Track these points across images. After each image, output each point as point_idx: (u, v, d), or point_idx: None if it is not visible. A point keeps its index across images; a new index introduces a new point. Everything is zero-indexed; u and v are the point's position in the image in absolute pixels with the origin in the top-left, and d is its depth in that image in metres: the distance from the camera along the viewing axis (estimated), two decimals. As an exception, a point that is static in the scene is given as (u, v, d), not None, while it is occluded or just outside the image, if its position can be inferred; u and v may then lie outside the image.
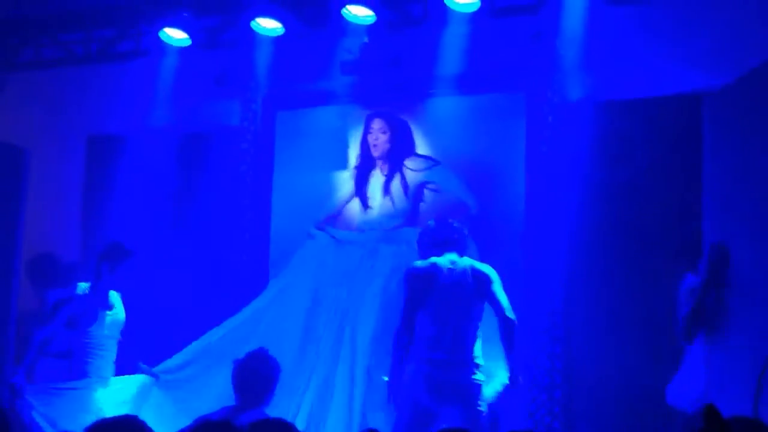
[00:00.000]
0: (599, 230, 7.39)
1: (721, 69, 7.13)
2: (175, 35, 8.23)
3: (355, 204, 8.05)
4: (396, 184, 7.88)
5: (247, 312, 7.66)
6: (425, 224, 6.82)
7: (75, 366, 6.91)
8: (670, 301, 7.07)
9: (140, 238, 7.24)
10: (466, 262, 6.40)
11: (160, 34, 8.22)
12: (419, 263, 6.45)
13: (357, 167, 8.07)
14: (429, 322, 6.27)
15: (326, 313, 7.63)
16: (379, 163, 8.01)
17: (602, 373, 7.20)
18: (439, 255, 6.41)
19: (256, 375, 6.30)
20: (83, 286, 7.17)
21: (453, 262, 6.38)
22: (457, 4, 7.54)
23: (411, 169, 7.88)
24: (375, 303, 7.47)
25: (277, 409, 6.46)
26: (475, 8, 7.54)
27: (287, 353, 7.15)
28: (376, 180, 7.98)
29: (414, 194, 7.85)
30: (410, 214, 7.82)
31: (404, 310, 6.28)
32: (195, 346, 7.40)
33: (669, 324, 7.07)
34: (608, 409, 7.15)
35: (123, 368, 7.03)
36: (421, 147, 7.96)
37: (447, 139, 7.86)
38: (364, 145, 8.04)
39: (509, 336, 6.23)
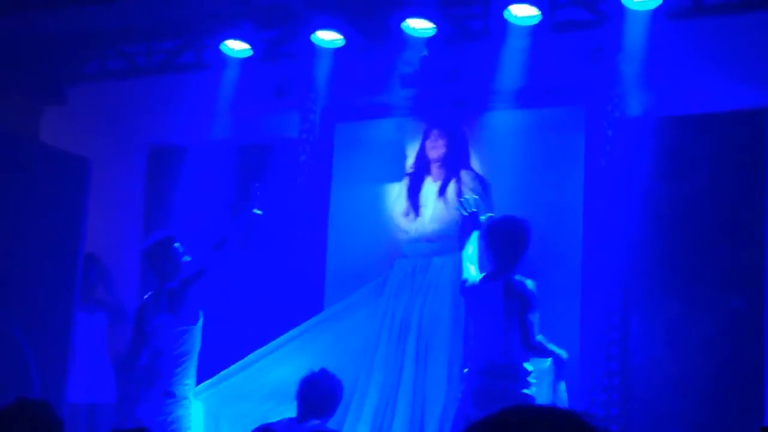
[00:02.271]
0: (657, 245, 7.33)
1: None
2: (236, 47, 8.29)
3: (408, 213, 8.00)
4: (452, 188, 7.81)
5: (309, 324, 7.69)
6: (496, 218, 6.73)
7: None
8: (728, 320, 7.02)
9: (199, 248, 7.27)
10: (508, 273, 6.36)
11: (221, 47, 8.29)
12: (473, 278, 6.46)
13: (410, 174, 8.04)
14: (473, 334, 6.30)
15: (381, 325, 7.61)
16: (434, 168, 7.94)
17: (660, 391, 7.14)
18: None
19: (316, 389, 6.35)
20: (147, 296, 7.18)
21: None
22: (518, 18, 7.51)
23: (464, 183, 7.83)
24: (441, 318, 7.42)
25: (336, 424, 6.49)
26: (535, 22, 7.51)
27: (344, 365, 7.16)
28: (429, 186, 7.93)
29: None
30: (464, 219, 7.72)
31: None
32: (252, 356, 7.44)
33: (727, 343, 7.02)
34: (665, 427, 7.08)
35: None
36: (479, 161, 7.94)
37: (505, 153, 7.82)
38: (421, 151, 8.00)
39: (539, 357, 6.21)
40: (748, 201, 7.15)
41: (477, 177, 7.82)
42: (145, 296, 7.17)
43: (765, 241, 7.04)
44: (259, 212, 7.09)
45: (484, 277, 6.46)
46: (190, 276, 6.85)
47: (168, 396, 6.70)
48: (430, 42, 7.91)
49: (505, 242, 6.33)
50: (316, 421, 6.16)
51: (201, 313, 6.88)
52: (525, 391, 6.17)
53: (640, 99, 7.48)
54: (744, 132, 7.22)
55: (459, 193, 7.71)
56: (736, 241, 7.15)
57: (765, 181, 7.12)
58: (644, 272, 7.33)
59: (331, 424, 6.34)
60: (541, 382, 6.30)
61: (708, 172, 7.25)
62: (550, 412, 1.65)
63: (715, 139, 7.29)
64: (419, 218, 7.87)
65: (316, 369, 6.43)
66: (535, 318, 6.18)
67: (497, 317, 6.27)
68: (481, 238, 6.67)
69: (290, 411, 6.45)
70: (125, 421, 6.74)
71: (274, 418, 6.35)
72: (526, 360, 6.23)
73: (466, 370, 6.47)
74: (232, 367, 7.33)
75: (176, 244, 7.00)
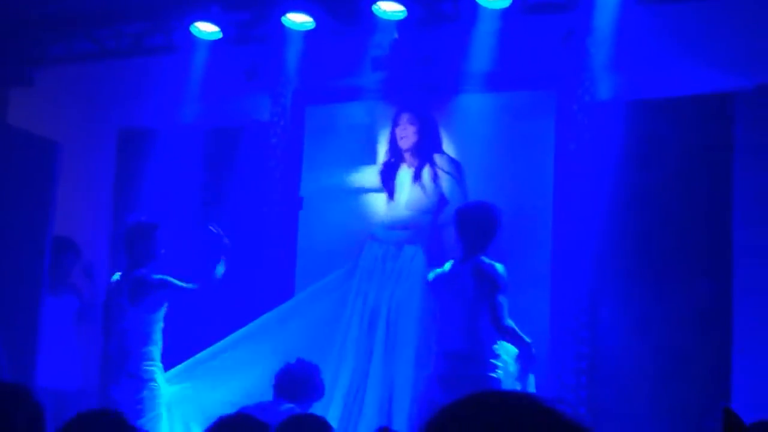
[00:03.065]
0: (627, 230, 7.36)
1: (753, 69, 7.11)
2: (205, 29, 8.24)
3: (380, 198, 8.01)
4: (426, 173, 7.81)
5: (280, 309, 7.70)
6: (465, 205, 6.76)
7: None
8: (696, 303, 7.06)
9: (168, 231, 7.25)
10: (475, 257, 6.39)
11: (191, 29, 8.24)
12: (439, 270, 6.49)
13: (384, 162, 8.04)
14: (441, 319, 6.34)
15: (351, 309, 7.63)
16: (407, 156, 7.95)
17: (628, 373, 7.18)
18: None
19: (291, 374, 6.40)
20: (116, 276, 7.15)
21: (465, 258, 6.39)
22: (489, 1, 7.51)
23: (438, 166, 7.84)
24: (411, 305, 7.44)
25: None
26: (506, 5, 7.50)
27: (315, 349, 7.17)
28: (405, 172, 7.93)
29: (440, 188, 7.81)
30: (438, 208, 7.75)
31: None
32: (223, 342, 7.44)
33: (695, 327, 7.06)
34: (634, 410, 7.12)
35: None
36: (449, 144, 7.94)
37: (475, 137, 7.83)
38: (392, 139, 8.00)
39: (510, 342, 6.23)
40: (715, 184, 7.18)
41: (451, 160, 7.83)
42: (113, 277, 7.15)
43: (733, 224, 7.08)
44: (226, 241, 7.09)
45: (453, 262, 6.50)
46: (158, 284, 6.82)
47: (133, 377, 6.70)
48: (400, 25, 7.88)
49: (475, 228, 6.39)
50: (290, 405, 6.17)
51: (165, 304, 6.89)
52: (491, 374, 6.20)
53: (610, 83, 7.49)
54: (713, 115, 7.25)
55: (434, 177, 7.73)
56: (704, 224, 7.18)
57: (733, 164, 7.16)
58: (614, 256, 7.36)
59: (315, 410, 6.33)
60: (509, 369, 6.33)
61: (676, 155, 7.28)
62: (517, 397, 1.64)
63: (684, 122, 7.32)
64: (394, 204, 7.87)
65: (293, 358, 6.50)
66: (504, 300, 6.21)
67: (466, 301, 6.30)
68: (451, 224, 6.72)
69: (262, 396, 6.45)
70: (104, 402, 6.73)
71: (246, 403, 6.34)
72: (494, 345, 6.25)
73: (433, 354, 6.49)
74: (203, 352, 7.33)
75: (158, 233, 6.96)
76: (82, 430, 3.12)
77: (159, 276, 6.88)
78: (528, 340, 6.31)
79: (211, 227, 7.13)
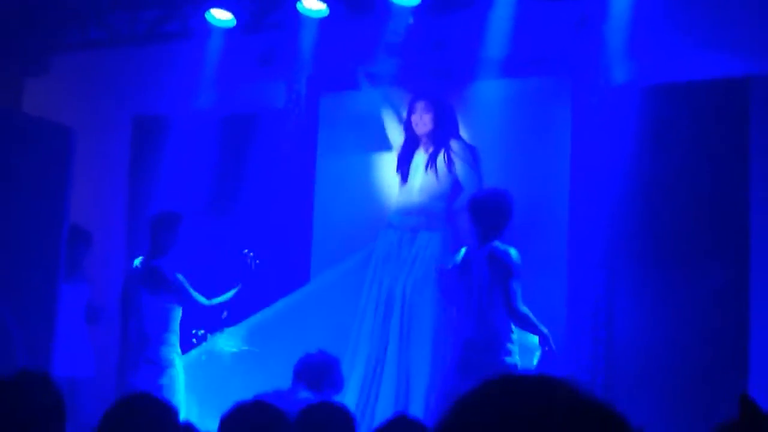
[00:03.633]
0: (643, 214, 7.34)
1: (769, 54, 7.07)
2: (220, 16, 8.25)
3: (395, 184, 8.00)
4: (441, 159, 7.79)
5: (295, 295, 7.72)
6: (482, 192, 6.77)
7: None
8: (713, 288, 7.04)
9: (191, 223, 7.27)
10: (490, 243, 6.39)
11: (206, 15, 8.25)
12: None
13: (400, 146, 8.02)
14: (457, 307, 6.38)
15: (367, 296, 7.63)
16: (423, 141, 7.93)
17: (645, 358, 7.17)
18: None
19: (309, 363, 6.42)
20: (137, 262, 7.17)
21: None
22: (504, -14, 7.50)
23: (454, 152, 7.82)
24: (425, 291, 7.44)
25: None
26: (521, -10, 7.49)
27: (331, 336, 7.19)
28: (420, 158, 7.91)
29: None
30: (452, 193, 7.73)
31: None
32: (237, 329, 7.45)
33: (712, 311, 7.05)
34: (651, 393, 7.12)
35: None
36: (464, 130, 7.92)
37: (490, 123, 7.81)
38: (408, 126, 7.97)
39: (524, 327, 6.23)
40: (731, 169, 7.15)
41: (466, 146, 7.81)
42: (134, 262, 7.17)
43: (750, 209, 7.06)
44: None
45: (467, 250, 6.51)
46: (173, 286, 6.83)
47: (151, 363, 6.71)
48: (415, 11, 7.87)
49: (489, 215, 6.41)
50: (307, 393, 6.18)
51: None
52: (508, 360, 6.21)
53: (626, 68, 7.46)
54: (728, 100, 7.22)
55: (449, 163, 7.72)
56: (720, 209, 7.16)
57: (749, 149, 7.13)
58: (630, 241, 7.34)
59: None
60: (525, 356, 6.33)
61: (692, 140, 7.25)
62: (535, 380, 1.64)
63: (700, 107, 7.29)
64: (408, 189, 7.85)
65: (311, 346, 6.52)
66: (517, 286, 6.22)
67: (481, 288, 6.30)
68: (466, 213, 6.73)
69: (278, 382, 6.47)
70: (123, 390, 6.74)
71: (262, 389, 6.35)
72: (510, 331, 6.26)
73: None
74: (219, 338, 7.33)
75: (181, 225, 6.99)
76: (125, 416, 3.17)
77: (177, 277, 6.87)
78: (544, 329, 6.30)
79: (246, 251, 7.14)
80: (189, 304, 6.86)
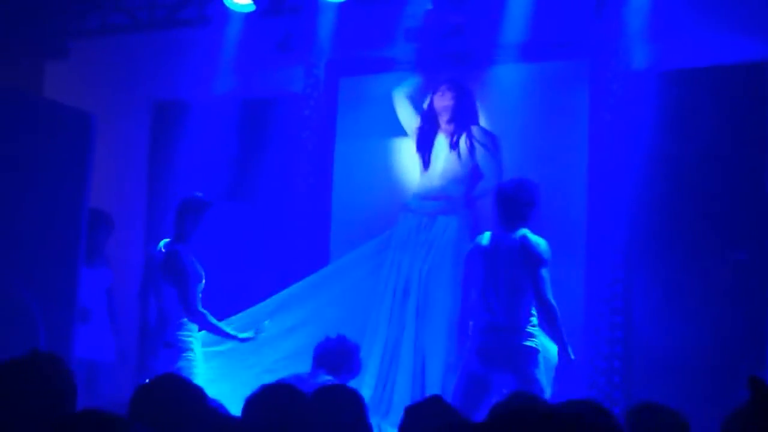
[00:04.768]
0: (662, 199, 7.34)
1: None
2: (239, 1, 8.25)
3: (414, 168, 8.01)
4: (463, 143, 7.81)
5: (314, 277, 7.75)
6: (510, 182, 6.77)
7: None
8: (732, 274, 7.03)
9: (218, 212, 7.29)
10: (520, 232, 6.40)
11: (224, 0, 8.26)
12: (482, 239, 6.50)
13: (420, 128, 8.02)
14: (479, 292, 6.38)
15: (386, 280, 7.66)
16: (443, 123, 7.92)
17: (663, 344, 7.17)
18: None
19: (329, 347, 6.46)
20: (161, 245, 7.16)
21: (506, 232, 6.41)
22: (522, -30, 7.49)
23: (476, 138, 7.83)
24: (442, 276, 7.47)
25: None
26: (539, -25, 7.48)
27: (350, 319, 7.22)
28: (441, 141, 7.92)
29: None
30: (471, 179, 7.74)
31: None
32: (256, 309, 7.48)
33: (731, 298, 7.05)
34: (668, 379, 7.13)
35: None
36: (483, 115, 7.93)
37: (508, 107, 7.81)
38: (430, 107, 7.97)
39: (548, 320, 6.22)
40: (751, 153, 7.14)
41: (486, 133, 7.83)
42: (159, 245, 7.18)
43: (769, 194, 7.05)
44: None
45: (492, 235, 6.50)
46: (180, 277, 6.78)
47: (169, 347, 6.72)
48: (434, -6, 7.88)
49: (517, 205, 6.41)
50: (327, 377, 6.22)
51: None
52: (529, 343, 6.22)
53: (645, 52, 7.45)
54: (748, 84, 7.20)
55: (471, 148, 7.74)
56: (740, 194, 7.15)
57: (768, 133, 7.12)
58: (648, 226, 7.34)
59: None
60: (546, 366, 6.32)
61: (712, 125, 7.24)
62: (557, 415, 1.63)
63: (720, 91, 7.28)
64: (428, 173, 7.87)
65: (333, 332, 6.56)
66: (547, 276, 6.24)
67: (508, 275, 6.32)
68: (490, 199, 6.73)
69: (297, 367, 6.51)
70: (143, 374, 6.76)
71: (282, 373, 6.40)
72: (531, 316, 6.27)
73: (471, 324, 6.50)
74: (238, 321, 7.36)
75: (208, 212, 6.95)
76: (156, 397, 3.22)
77: (190, 267, 6.81)
78: (564, 336, 6.24)
79: (267, 322, 7.10)
80: (183, 297, 6.76)
